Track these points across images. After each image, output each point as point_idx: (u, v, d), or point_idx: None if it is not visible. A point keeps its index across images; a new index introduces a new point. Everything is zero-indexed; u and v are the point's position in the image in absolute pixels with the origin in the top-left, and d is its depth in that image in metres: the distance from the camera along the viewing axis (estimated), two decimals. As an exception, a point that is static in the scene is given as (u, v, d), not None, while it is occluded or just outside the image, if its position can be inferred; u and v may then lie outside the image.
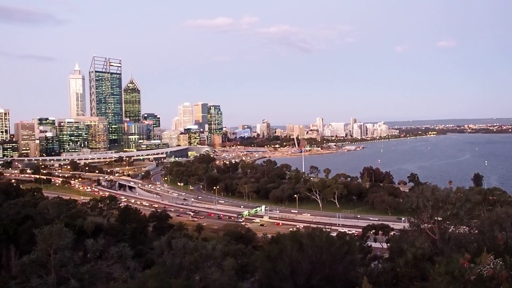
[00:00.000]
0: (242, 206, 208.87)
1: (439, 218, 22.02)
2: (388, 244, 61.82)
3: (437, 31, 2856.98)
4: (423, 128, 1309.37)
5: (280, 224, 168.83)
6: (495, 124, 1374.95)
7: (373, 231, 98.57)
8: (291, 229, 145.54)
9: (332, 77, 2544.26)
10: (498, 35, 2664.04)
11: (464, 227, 22.37)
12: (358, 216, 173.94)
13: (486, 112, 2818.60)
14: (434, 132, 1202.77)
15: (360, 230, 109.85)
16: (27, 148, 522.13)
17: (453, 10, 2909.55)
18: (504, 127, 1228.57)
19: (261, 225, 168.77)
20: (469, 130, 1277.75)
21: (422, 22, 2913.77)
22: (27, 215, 63.76)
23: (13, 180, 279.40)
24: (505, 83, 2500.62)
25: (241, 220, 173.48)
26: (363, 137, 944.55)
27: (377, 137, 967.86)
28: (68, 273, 25.98)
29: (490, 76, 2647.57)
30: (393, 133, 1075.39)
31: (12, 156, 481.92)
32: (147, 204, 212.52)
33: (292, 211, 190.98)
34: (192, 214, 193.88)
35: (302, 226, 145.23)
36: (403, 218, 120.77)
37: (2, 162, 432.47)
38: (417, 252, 19.67)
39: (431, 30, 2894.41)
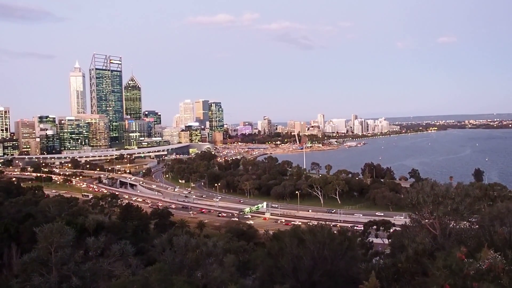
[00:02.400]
0: (241, 201, 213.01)
1: (440, 214, 22.02)
2: (390, 240, 62.06)
3: (438, 27, 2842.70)
4: (424, 124, 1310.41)
5: (267, 219, 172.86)
6: (495, 119, 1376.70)
7: (375, 227, 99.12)
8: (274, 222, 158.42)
9: (334, 74, 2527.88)
10: (499, 30, 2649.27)
11: (465, 222, 22.40)
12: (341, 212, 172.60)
13: (487, 107, 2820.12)
14: (435, 128, 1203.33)
15: (362, 226, 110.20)
16: (28, 146, 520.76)
17: (453, 5, 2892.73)
18: (505, 123, 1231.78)
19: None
20: (469, 126, 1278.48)
21: (423, 18, 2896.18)
22: (28, 213, 63.66)
23: (14, 179, 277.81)
24: (505, 79, 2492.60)
25: (248, 217, 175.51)
26: (364, 133, 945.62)
27: (378, 133, 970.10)
28: (70, 271, 25.95)
29: (490, 71, 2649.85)
30: (394, 129, 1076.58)
31: (12, 155, 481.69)
32: (141, 200, 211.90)
33: (282, 207, 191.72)
34: (173, 207, 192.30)
35: (284, 221, 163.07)
36: (403, 214, 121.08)
37: (2, 160, 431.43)
38: (418, 248, 19.68)
39: (432, 26, 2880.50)
